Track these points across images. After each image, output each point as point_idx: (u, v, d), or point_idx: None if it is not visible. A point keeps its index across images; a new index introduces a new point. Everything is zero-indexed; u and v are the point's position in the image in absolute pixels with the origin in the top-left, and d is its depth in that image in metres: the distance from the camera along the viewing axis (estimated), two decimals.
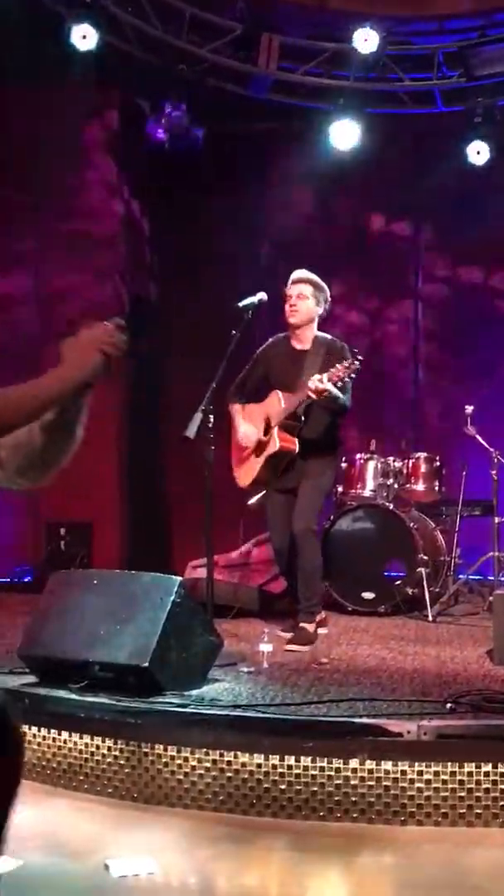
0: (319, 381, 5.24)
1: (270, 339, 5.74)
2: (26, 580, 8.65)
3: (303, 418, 5.57)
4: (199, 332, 8.51)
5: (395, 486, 7.21)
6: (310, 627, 5.59)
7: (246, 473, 5.79)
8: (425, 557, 6.73)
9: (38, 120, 9.06)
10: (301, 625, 5.60)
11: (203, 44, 8.36)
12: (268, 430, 5.64)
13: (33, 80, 8.44)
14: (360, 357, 5.29)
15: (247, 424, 5.75)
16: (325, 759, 3.65)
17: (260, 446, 5.70)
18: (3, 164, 9.16)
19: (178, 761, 3.80)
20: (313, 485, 5.64)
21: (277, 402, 5.62)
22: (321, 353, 5.58)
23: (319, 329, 5.78)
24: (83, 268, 9.27)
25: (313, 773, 3.66)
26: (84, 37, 7.60)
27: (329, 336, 5.79)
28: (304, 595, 5.64)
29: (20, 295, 9.38)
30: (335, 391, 5.32)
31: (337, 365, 5.29)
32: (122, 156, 9.46)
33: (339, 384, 5.32)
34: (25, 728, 4.13)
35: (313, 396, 5.30)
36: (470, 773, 3.55)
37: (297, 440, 5.57)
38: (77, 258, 9.27)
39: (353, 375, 5.32)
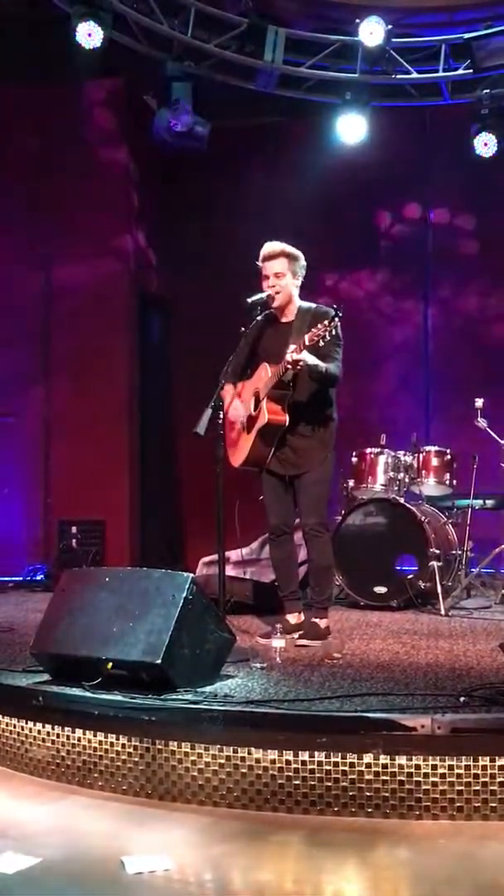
0: (295, 351, 5.03)
1: (257, 318, 5.46)
2: (38, 578, 8.68)
3: (291, 386, 5.33)
4: (206, 327, 8.52)
5: (406, 480, 7.20)
6: (322, 623, 5.53)
7: (238, 452, 5.58)
8: (437, 551, 6.72)
9: (45, 117, 9.10)
10: (313, 620, 5.54)
11: (209, 39, 8.36)
12: (257, 404, 5.43)
13: (40, 78, 8.47)
14: (339, 313, 4.99)
15: (236, 401, 5.54)
16: (339, 754, 3.64)
17: (250, 421, 5.48)
18: (11, 162, 9.20)
19: (192, 757, 3.80)
20: (316, 478, 5.44)
21: (265, 374, 5.41)
22: (307, 321, 5.33)
23: (312, 294, 5.60)
24: (91, 262, 9.30)
25: (327, 768, 3.65)
26: (90, 34, 7.59)
27: (313, 304, 5.55)
28: (316, 591, 5.56)
29: (30, 289, 9.40)
30: (312, 359, 5.09)
31: (318, 325, 5.05)
32: (129, 152, 9.49)
33: (321, 343, 5.06)
34: (40, 726, 4.15)
35: (289, 367, 5.10)
36: (484, 767, 3.54)
37: (286, 413, 5.34)
38: (85, 252, 9.29)
39: (333, 332, 5.02)
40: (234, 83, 8.68)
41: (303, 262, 5.49)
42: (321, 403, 5.45)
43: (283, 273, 5.41)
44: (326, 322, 5.00)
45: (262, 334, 5.55)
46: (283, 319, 5.52)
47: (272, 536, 5.64)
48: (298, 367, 5.11)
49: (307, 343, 5.04)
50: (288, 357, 5.08)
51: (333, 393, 5.50)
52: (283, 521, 5.61)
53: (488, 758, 3.54)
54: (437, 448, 7.35)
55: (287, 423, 5.36)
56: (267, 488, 5.58)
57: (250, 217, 9.36)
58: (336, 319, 4.98)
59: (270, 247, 5.46)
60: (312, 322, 5.25)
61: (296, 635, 5.50)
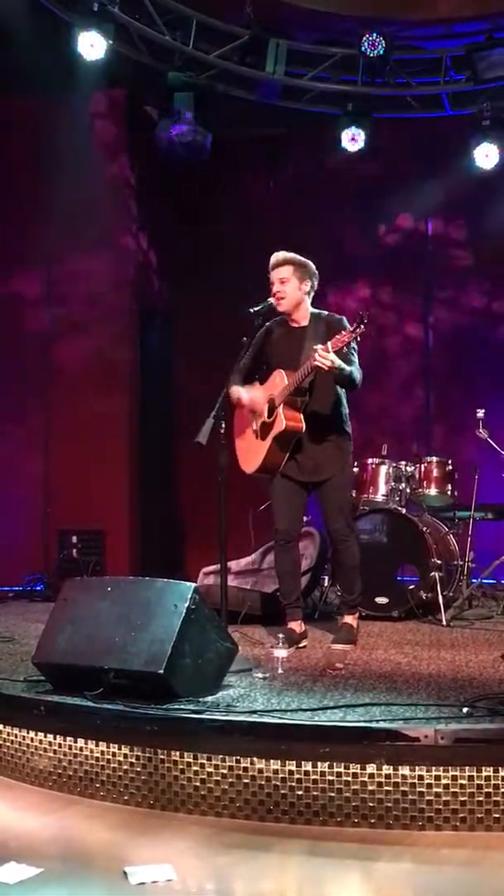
0: (324, 350, 5.01)
1: (267, 323, 5.54)
2: (38, 588, 8.66)
3: (307, 393, 5.38)
4: (208, 338, 8.53)
5: (408, 490, 7.18)
6: (353, 622, 5.65)
7: (252, 459, 5.57)
8: (438, 562, 6.71)
9: (46, 128, 9.10)
10: (345, 621, 5.66)
11: (210, 50, 8.39)
12: (272, 411, 5.43)
13: (41, 88, 8.47)
14: (365, 320, 4.98)
15: (253, 390, 5.53)
16: (342, 765, 3.63)
17: (265, 428, 5.49)
18: (13, 173, 9.21)
19: (195, 768, 3.79)
20: (339, 483, 5.54)
21: (280, 380, 5.41)
22: (320, 327, 5.40)
23: (315, 306, 5.61)
24: (92, 273, 9.30)
25: (330, 778, 3.64)
26: (92, 45, 7.61)
27: (325, 311, 5.60)
28: (347, 590, 5.69)
29: (31, 299, 9.41)
30: (339, 362, 5.09)
31: (342, 331, 5.08)
32: (131, 163, 9.50)
33: (344, 350, 5.12)
34: (41, 736, 4.14)
35: (322, 367, 5.04)
36: (488, 778, 3.53)
37: (303, 418, 5.37)
38: (86, 264, 9.29)
39: (358, 339, 5.09)
40: (235, 94, 8.71)
41: (312, 270, 5.53)
42: (336, 410, 5.51)
43: (287, 279, 5.45)
44: (352, 329, 5.01)
45: (273, 341, 5.58)
46: (296, 325, 5.55)
47: (280, 542, 5.62)
48: (326, 368, 5.07)
49: (332, 349, 5.04)
50: (318, 356, 5.03)
51: (346, 400, 5.55)
52: (292, 527, 5.62)
53: (492, 768, 3.53)
54: (438, 458, 7.33)
55: (304, 430, 5.38)
56: (278, 493, 5.57)
57: (251, 228, 9.38)
58: (362, 326, 4.97)
59: (276, 256, 5.52)
60: (326, 328, 5.32)
61: (302, 643, 5.54)
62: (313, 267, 5.53)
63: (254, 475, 5.60)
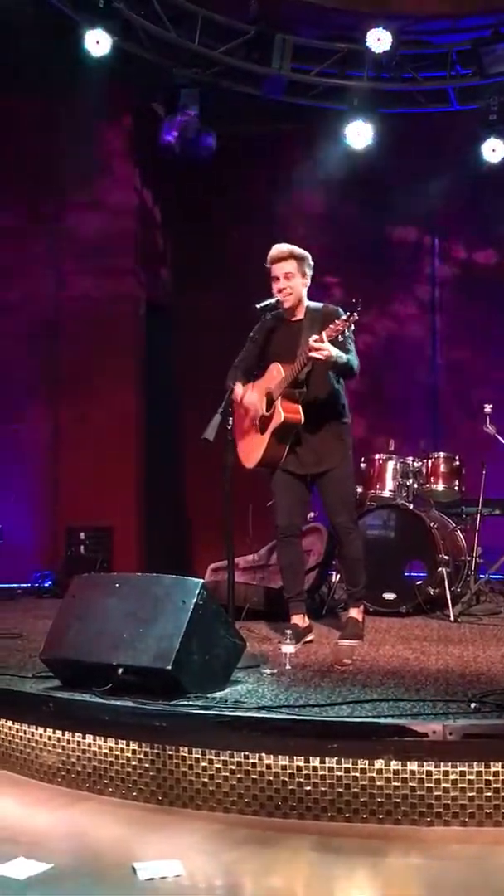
0: (318, 340, 5.02)
1: (265, 318, 5.50)
2: (47, 585, 8.68)
3: (304, 385, 5.36)
4: (214, 335, 8.53)
5: (415, 486, 7.18)
6: (358, 616, 5.65)
7: (252, 453, 5.55)
8: (446, 557, 6.71)
9: (53, 126, 9.10)
10: (351, 615, 5.65)
11: (216, 46, 8.40)
12: (270, 404, 5.42)
13: (48, 86, 8.48)
14: (358, 308, 4.99)
15: (250, 391, 5.51)
16: (351, 760, 3.62)
17: (264, 422, 5.48)
18: (20, 171, 9.22)
19: (203, 763, 3.79)
20: (341, 475, 5.51)
21: (277, 373, 5.41)
22: (317, 319, 5.37)
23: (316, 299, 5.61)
24: (99, 270, 9.32)
25: (338, 774, 3.63)
26: (98, 42, 7.63)
27: (320, 303, 5.58)
28: (352, 582, 5.68)
29: (39, 298, 9.42)
30: (335, 351, 5.10)
31: (336, 321, 5.07)
32: (137, 160, 9.51)
33: (340, 339, 5.12)
34: (50, 732, 4.14)
35: (318, 357, 5.06)
36: (496, 773, 3.52)
37: (301, 409, 5.35)
38: (93, 261, 9.31)
39: (353, 327, 5.09)
40: (241, 90, 8.71)
41: (310, 261, 5.53)
42: (334, 401, 5.49)
43: (292, 274, 5.44)
44: (345, 318, 5.02)
45: (272, 335, 5.57)
46: (293, 318, 5.54)
47: (281, 537, 5.62)
48: (322, 357, 5.07)
49: (326, 338, 5.03)
50: (312, 345, 5.04)
51: (344, 391, 5.53)
52: (294, 522, 5.61)
53: (500, 763, 3.52)
54: (445, 454, 7.32)
55: (302, 421, 5.37)
56: (280, 487, 5.56)
57: (257, 225, 9.38)
58: (355, 314, 4.98)
59: (278, 248, 5.49)
60: (323, 320, 5.29)
61: (308, 637, 5.54)
62: (311, 258, 5.53)
63: (256, 469, 5.59)
